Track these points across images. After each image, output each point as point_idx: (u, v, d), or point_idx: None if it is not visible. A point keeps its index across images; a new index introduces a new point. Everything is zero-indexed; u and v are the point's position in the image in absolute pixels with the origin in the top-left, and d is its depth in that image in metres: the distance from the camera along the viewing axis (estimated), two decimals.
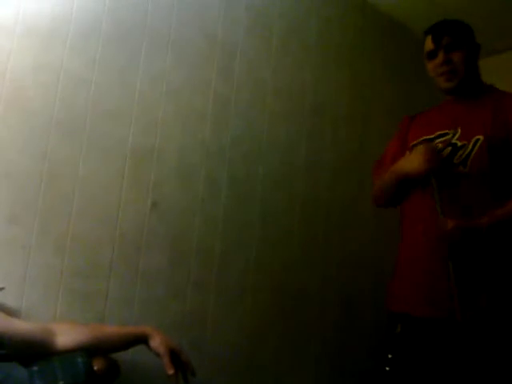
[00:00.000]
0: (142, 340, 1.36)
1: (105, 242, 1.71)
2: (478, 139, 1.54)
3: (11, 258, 1.52)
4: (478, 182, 1.53)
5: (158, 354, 1.33)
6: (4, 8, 1.57)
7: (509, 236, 1.50)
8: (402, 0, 2.72)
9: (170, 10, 1.95)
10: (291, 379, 2.17)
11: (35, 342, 1.24)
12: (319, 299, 2.31)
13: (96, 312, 1.66)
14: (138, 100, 1.83)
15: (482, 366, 1.45)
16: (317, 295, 2.30)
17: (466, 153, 1.55)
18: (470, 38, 1.66)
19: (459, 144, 1.57)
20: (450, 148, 1.58)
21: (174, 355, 1.33)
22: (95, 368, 1.25)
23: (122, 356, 1.41)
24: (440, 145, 1.60)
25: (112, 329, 1.40)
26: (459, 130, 1.59)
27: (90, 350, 1.27)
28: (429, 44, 1.67)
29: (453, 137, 1.59)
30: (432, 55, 1.65)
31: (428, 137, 1.66)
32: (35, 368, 1.16)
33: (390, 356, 1.62)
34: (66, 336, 1.28)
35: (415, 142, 1.68)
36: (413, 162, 1.59)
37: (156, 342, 1.33)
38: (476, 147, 1.54)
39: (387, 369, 1.61)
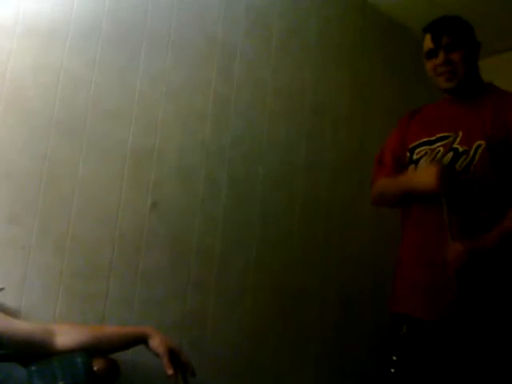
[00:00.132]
0: (141, 340, 1.35)
1: (105, 242, 1.71)
2: (480, 145, 1.53)
3: (11, 258, 1.52)
4: (482, 189, 1.52)
5: (157, 355, 1.33)
6: (4, 8, 1.57)
7: None
8: (402, 0, 2.72)
9: (170, 10, 1.95)
10: (291, 379, 2.17)
11: (35, 342, 1.24)
12: (319, 299, 2.31)
13: (96, 312, 1.66)
14: (137, 100, 1.83)
15: (484, 366, 1.44)
16: (317, 295, 2.30)
17: (468, 159, 1.54)
18: (470, 36, 1.64)
19: (460, 149, 1.56)
20: (451, 153, 1.57)
21: (174, 355, 1.33)
22: (95, 368, 1.24)
23: (122, 356, 1.41)
24: (441, 149, 1.59)
25: (112, 329, 1.40)
26: (460, 134, 1.57)
27: (90, 350, 1.27)
28: (428, 43, 1.65)
29: (454, 141, 1.58)
30: (431, 54, 1.63)
31: (428, 139, 1.65)
32: (34, 368, 1.16)
33: (394, 358, 1.60)
34: (65, 336, 1.28)
35: (415, 144, 1.68)
36: (423, 179, 1.55)
37: (155, 342, 1.33)
38: (478, 154, 1.53)
39: (392, 371, 1.59)
